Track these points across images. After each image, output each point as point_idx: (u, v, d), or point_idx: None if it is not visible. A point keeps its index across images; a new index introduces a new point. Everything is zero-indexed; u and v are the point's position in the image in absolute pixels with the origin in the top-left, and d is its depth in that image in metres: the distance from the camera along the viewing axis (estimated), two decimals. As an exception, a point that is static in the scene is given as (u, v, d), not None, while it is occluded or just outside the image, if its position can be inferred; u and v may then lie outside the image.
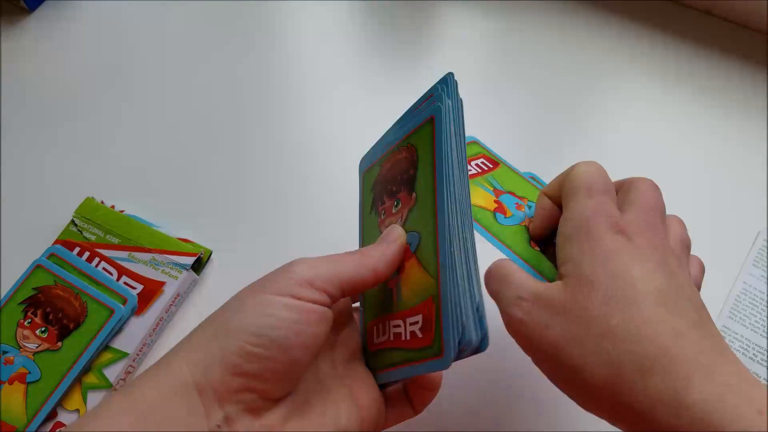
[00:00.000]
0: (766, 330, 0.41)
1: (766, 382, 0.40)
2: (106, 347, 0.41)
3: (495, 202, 0.34)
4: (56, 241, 0.44)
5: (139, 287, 0.42)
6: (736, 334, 0.41)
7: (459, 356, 0.24)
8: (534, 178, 0.39)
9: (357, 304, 0.33)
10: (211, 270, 0.45)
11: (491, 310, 0.26)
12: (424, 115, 0.30)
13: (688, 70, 0.53)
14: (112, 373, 0.40)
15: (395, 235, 0.28)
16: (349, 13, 0.58)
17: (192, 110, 0.53)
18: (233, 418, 0.23)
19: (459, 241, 0.26)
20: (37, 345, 0.40)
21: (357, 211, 0.49)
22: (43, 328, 0.41)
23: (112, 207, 0.46)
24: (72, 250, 0.44)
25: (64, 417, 0.39)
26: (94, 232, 0.45)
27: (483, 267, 0.27)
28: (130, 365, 0.41)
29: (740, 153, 0.49)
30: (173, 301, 0.43)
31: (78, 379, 0.40)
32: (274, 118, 0.52)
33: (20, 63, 0.55)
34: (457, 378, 0.40)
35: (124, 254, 0.44)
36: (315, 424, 0.25)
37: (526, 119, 0.52)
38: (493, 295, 0.28)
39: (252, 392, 0.23)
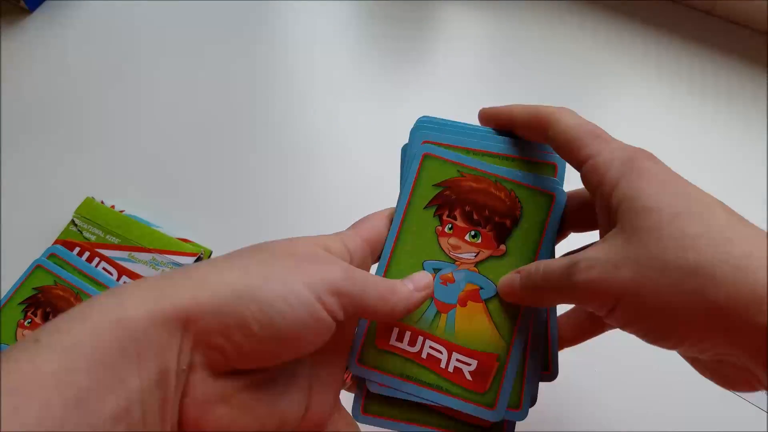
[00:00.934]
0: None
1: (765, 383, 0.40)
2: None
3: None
4: (56, 241, 0.45)
5: (139, 287, 0.42)
6: (736, 334, 0.41)
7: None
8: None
9: None
10: (211, 270, 0.46)
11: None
12: (545, 182, 0.32)
13: (688, 70, 0.53)
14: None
15: (425, 284, 0.29)
16: (349, 13, 0.58)
17: (192, 110, 0.53)
18: (196, 367, 0.23)
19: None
20: (37, 345, 0.41)
21: (358, 210, 0.49)
22: (43, 328, 0.41)
23: (112, 207, 0.46)
24: (72, 250, 0.44)
25: None
26: (94, 232, 0.45)
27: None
28: (130, 365, 0.41)
29: (740, 153, 0.49)
30: (173, 301, 0.43)
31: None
32: (275, 118, 0.52)
33: (20, 63, 0.55)
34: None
35: (124, 254, 0.44)
36: (261, 409, 0.24)
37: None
38: (538, 290, 0.27)
39: (224, 355, 0.23)
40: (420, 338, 0.30)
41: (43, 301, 0.42)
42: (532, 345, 0.30)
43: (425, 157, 0.32)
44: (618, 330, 0.26)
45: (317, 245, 0.26)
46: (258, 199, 0.48)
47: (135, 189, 0.49)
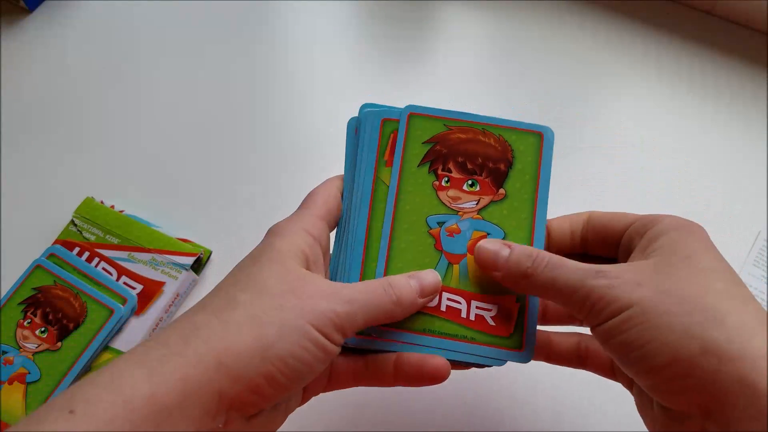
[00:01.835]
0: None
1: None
2: (105, 347, 0.41)
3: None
4: (56, 241, 0.44)
5: (139, 287, 0.42)
6: (736, 334, 0.41)
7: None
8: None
9: None
10: (210, 270, 0.45)
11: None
12: (530, 124, 0.32)
13: (688, 70, 0.53)
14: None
15: (432, 288, 0.29)
16: (349, 13, 0.58)
17: (192, 110, 0.53)
18: (232, 420, 0.24)
19: None
20: (36, 345, 0.40)
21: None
22: (42, 329, 0.41)
23: (112, 207, 0.46)
24: (72, 250, 0.44)
25: (63, 417, 0.39)
26: (94, 232, 0.45)
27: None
28: (130, 365, 0.41)
29: (740, 153, 0.49)
30: (173, 301, 0.43)
31: (78, 379, 0.40)
32: (275, 118, 0.52)
33: (20, 63, 0.55)
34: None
35: (123, 254, 0.44)
36: (277, 424, 0.27)
37: (526, 119, 0.51)
38: (549, 282, 0.27)
39: (255, 405, 0.25)
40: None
41: (43, 301, 0.42)
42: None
43: (411, 116, 0.32)
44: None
45: (297, 258, 0.27)
46: (258, 199, 0.48)
47: (135, 189, 0.49)
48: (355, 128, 0.33)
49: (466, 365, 0.30)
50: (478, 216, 0.31)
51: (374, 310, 0.27)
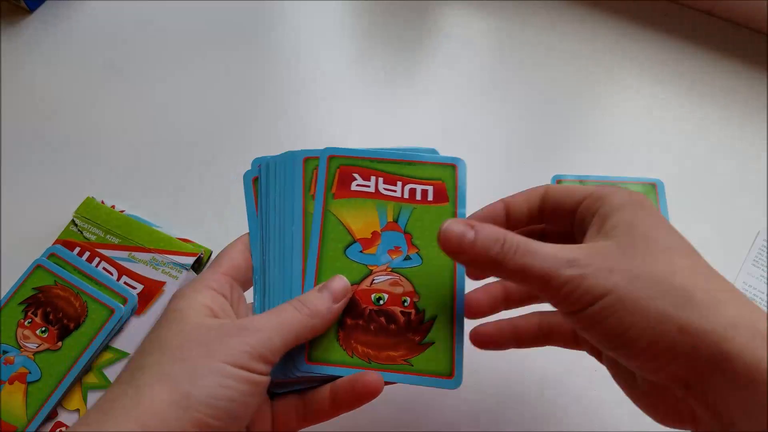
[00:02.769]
0: (765, 330, 0.41)
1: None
2: (106, 347, 0.41)
3: (373, 233, 0.33)
4: (56, 241, 0.45)
5: (140, 287, 0.42)
6: (736, 334, 0.41)
7: None
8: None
9: None
10: (211, 270, 0.46)
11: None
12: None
13: (688, 71, 0.53)
14: (113, 373, 0.40)
15: (342, 292, 0.30)
16: (349, 13, 0.58)
17: (192, 110, 0.53)
18: None
19: None
20: (37, 345, 0.41)
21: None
22: (43, 328, 0.41)
23: (113, 207, 0.46)
24: (72, 250, 0.44)
25: (64, 417, 0.39)
26: (95, 232, 0.45)
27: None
28: (131, 365, 0.41)
29: (740, 153, 0.49)
30: (173, 301, 0.43)
31: (78, 379, 0.40)
32: (274, 118, 0.52)
33: (20, 63, 0.55)
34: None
35: (124, 254, 0.44)
36: None
37: (526, 119, 0.52)
38: (520, 270, 0.26)
39: None
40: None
41: (44, 300, 0.42)
42: (458, 317, 0.31)
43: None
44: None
45: (199, 313, 0.28)
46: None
47: (135, 189, 0.49)
48: (252, 179, 0.34)
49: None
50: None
51: (292, 329, 0.28)
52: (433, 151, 0.35)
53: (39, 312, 0.41)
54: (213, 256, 0.46)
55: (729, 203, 0.47)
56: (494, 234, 0.27)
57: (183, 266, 0.43)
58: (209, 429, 0.25)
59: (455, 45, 0.56)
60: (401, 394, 0.40)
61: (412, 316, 0.31)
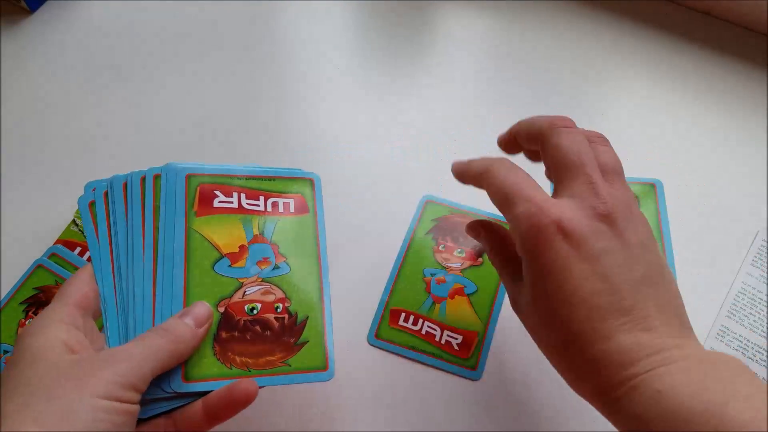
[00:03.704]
0: (765, 330, 0.41)
1: (765, 381, 0.40)
2: (106, 347, 0.41)
3: (241, 247, 0.34)
4: (57, 241, 0.45)
5: (140, 287, 0.43)
6: (735, 333, 0.41)
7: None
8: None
9: None
10: (211, 270, 0.46)
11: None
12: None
13: (687, 71, 0.53)
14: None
15: (205, 318, 0.31)
16: (349, 13, 0.59)
17: (192, 110, 0.53)
18: None
19: None
20: (38, 344, 0.41)
21: (359, 210, 0.50)
22: (44, 328, 0.41)
23: (113, 207, 0.46)
24: (73, 249, 0.44)
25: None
26: (95, 232, 0.45)
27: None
28: (131, 365, 0.41)
29: (739, 153, 0.49)
30: (173, 301, 0.43)
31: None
32: (275, 118, 0.52)
33: (21, 63, 0.56)
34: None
35: (124, 254, 0.44)
36: None
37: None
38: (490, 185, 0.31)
39: None
40: (421, 320, 0.42)
41: (44, 300, 0.42)
42: (327, 315, 0.35)
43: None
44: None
45: (56, 349, 0.27)
46: (258, 199, 0.48)
47: (136, 189, 0.49)
48: (89, 203, 0.33)
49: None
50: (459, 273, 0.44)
51: (159, 356, 0.28)
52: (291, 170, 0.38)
53: (40, 312, 0.42)
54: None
55: (728, 203, 0.47)
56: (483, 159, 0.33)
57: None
58: None
59: (455, 45, 0.56)
60: (429, 390, 0.40)
61: (286, 321, 0.33)
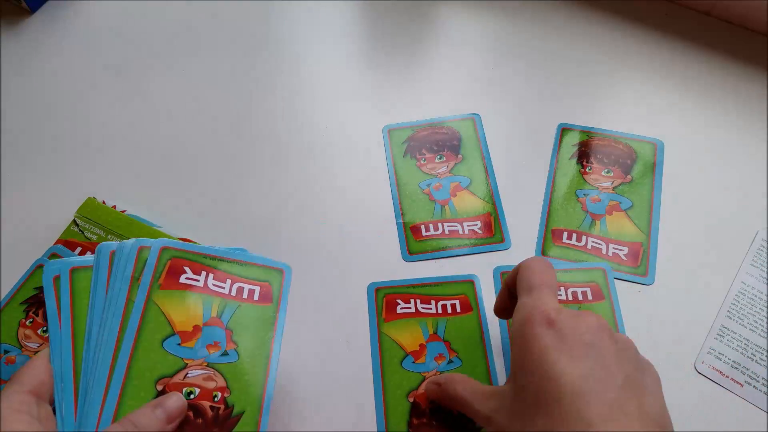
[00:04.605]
0: (765, 330, 0.42)
1: (765, 382, 0.40)
2: (107, 347, 0.41)
3: (195, 326, 0.34)
4: (57, 241, 0.45)
5: (140, 287, 0.43)
6: (735, 333, 0.42)
7: None
8: None
9: None
10: (211, 270, 0.46)
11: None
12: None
13: (687, 71, 0.53)
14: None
15: (179, 410, 0.30)
16: (349, 13, 0.59)
17: (193, 110, 0.53)
18: None
19: None
20: (38, 344, 0.41)
21: (360, 210, 0.50)
22: (44, 328, 0.41)
23: (114, 207, 0.47)
24: (73, 250, 0.44)
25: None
26: (96, 232, 0.45)
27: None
28: (132, 365, 0.41)
29: (739, 153, 0.49)
30: (174, 301, 0.43)
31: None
32: (275, 118, 0.52)
33: (22, 63, 0.56)
34: None
35: (125, 254, 0.44)
36: None
37: (525, 119, 0.52)
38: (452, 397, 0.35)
39: None
40: (584, 237, 0.45)
41: (45, 300, 0.42)
42: (264, 413, 0.33)
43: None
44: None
45: None
46: (259, 199, 0.48)
47: (136, 189, 0.49)
48: (53, 279, 0.33)
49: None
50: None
51: None
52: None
53: (40, 312, 0.42)
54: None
55: (728, 203, 0.47)
56: (432, 379, 0.37)
57: (184, 266, 0.43)
58: None
59: (455, 45, 0.56)
60: None
61: (221, 411, 0.32)
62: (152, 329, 0.32)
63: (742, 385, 0.40)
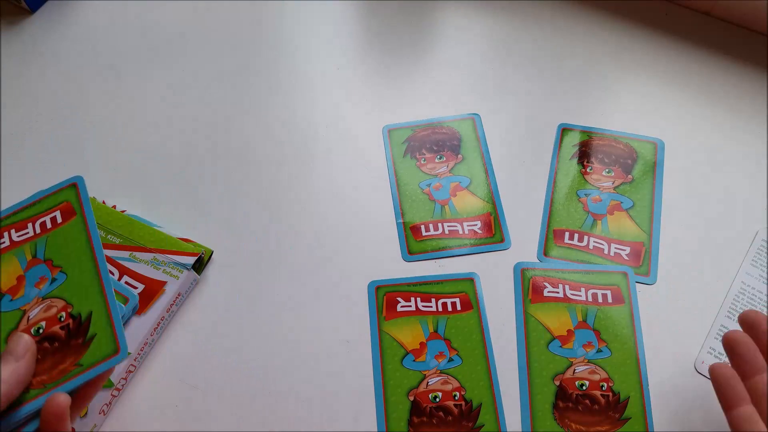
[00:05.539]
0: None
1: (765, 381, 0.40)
2: (107, 347, 0.41)
3: (421, 344, 0.42)
4: (58, 241, 0.45)
5: (141, 287, 0.43)
6: (735, 333, 0.42)
7: None
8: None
9: None
10: (212, 270, 0.46)
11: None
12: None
13: (687, 71, 0.53)
14: (114, 372, 0.40)
15: (24, 349, 0.30)
16: (350, 13, 0.59)
17: (193, 110, 0.53)
18: None
19: None
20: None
21: (360, 210, 0.50)
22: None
23: (114, 207, 0.47)
24: (73, 249, 0.44)
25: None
26: (96, 232, 0.45)
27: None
28: (132, 365, 0.41)
29: (739, 153, 0.49)
30: (174, 301, 0.43)
31: (80, 379, 0.40)
32: (275, 118, 0.52)
33: (22, 63, 0.56)
34: None
35: (125, 254, 0.44)
36: None
37: (525, 119, 0.52)
38: None
39: None
40: (585, 237, 0.45)
41: (45, 300, 0.42)
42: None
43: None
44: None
45: None
46: (259, 199, 0.48)
47: (136, 189, 0.49)
48: None
49: None
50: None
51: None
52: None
53: (41, 312, 0.42)
54: (214, 256, 0.46)
55: (728, 203, 0.47)
56: None
57: (184, 266, 0.43)
58: None
59: (455, 45, 0.56)
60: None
61: (463, 407, 0.39)
62: (391, 354, 0.41)
63: (742, 385, 0.40)
